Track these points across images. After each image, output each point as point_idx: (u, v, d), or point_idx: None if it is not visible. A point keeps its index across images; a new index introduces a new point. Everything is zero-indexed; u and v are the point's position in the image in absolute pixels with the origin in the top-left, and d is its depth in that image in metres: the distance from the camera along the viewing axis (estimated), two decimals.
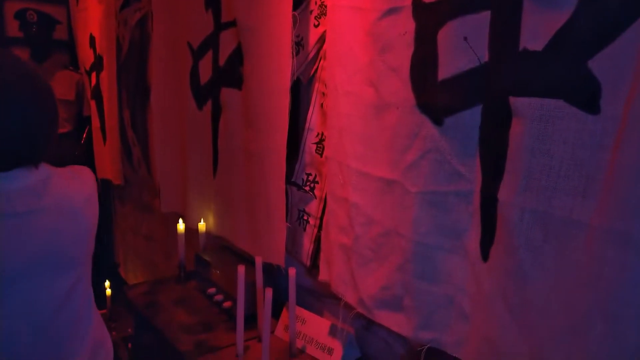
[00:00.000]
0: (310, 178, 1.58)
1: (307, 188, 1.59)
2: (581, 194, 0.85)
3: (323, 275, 1.45)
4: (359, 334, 1.52)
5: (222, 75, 1.80)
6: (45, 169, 1.07)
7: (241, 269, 1.46)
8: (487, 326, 1.04)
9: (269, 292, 1.40)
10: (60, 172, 1.13)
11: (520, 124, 0.92)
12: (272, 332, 1.62)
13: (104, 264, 3.66)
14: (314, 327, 1.54)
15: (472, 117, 1.01)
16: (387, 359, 1.44)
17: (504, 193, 0.96)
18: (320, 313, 1.67)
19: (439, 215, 1.09)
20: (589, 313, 0.84)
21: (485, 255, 1.04)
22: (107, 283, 3.33)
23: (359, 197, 1.26)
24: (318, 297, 1.68)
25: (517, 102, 0.91)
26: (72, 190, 1.12)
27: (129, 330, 2.68)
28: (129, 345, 2.53)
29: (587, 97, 0.83)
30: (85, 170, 1.21)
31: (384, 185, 1.19)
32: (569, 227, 0.88)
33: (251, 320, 1.64)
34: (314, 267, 1.65)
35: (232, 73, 1.74)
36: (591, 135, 0.83)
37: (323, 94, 1.43)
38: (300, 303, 1.56)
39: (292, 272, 1.45)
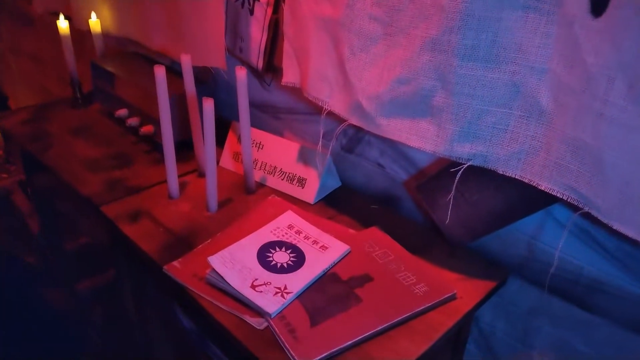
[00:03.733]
0: None
1: None
2: None
3: (288, 77, 0.96)
4: (339, 158, 1.11)
5: None
6: None
7: (159, 71, 0.94)
8: (582, 123, 0.63)
9: (210, 103, 0.92)
10: None
11: None
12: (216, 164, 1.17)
13: None
14: (277, 152, 1.11)
15: None
16: (380, 187, 1.07)
17: None
18: (279, 135, 1.22)
19: None
20: None
21: (599, 8, 0.59)
22: None
23: None
24: (275, 114, 1.22)
25: None
26: None
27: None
28: (29, 190, 2.02)
29: None
30: None
31: None
32: None
33: (183, 149, 1.18)
34: (270, 69, 1.16)
35: None
36: None
37: None
38: (251, 124, 1.09)
39: (241, 73, 0.95)
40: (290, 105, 1.17)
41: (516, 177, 0.72)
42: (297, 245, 0.88)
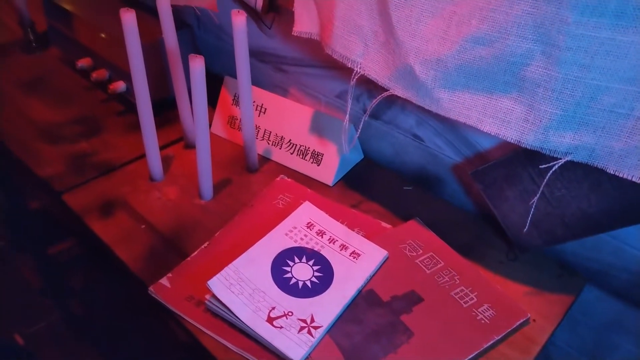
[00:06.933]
0: None
1: None
2: None
3: (303, 25, 0.72)
4: (360, 123, 0.89)
5: None
6: None
7: (128, 18, 0.69)
8: None
9: (199, 63, 0.68)
10: None
11: None
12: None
13: None
14: (284, 118, 0.88)
15: None
16: (415, 163, 0.86)
17: None
18: (284, 92, 0.99)
19: None
20: None
21: None
22: None
23: None
24: (278, 65, 0.98)
25: None
26: None
27: None
28: None
29: None
30: None
31: None
32: None
33: (163, 109, 0.95)
34: (272, 8, 0.90)
35: None
36: None
37: None
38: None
39: (239, 19, 0.71)
40: (298, 55, 0.93)
41: (633, 180, 0.52)
42: (321, 252, 0.68)
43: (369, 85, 0.82)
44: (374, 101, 0.66)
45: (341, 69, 0.84)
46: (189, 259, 0.69)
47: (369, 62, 0.64)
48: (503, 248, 0.74)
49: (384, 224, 0.76)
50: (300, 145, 0.86)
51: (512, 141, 0.56)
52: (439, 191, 0.84)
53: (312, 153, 0.85)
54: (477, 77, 0.55)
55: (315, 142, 0.85)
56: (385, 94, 0.64)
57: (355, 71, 0.66)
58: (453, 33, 0.54)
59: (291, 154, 0.87)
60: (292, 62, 0.95)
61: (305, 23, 0.71)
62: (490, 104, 0.56)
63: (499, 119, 0.56)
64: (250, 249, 0.67)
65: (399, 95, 0.63)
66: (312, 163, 0.85)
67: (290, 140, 0.87)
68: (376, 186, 0.85)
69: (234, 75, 0.77)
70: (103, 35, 0.99)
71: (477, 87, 0.56)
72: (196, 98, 0.70)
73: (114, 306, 1.27)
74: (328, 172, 0.84)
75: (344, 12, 0.63)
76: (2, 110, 1.00)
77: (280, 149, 0.88)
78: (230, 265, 0.64)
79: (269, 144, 0.89)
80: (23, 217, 1.55)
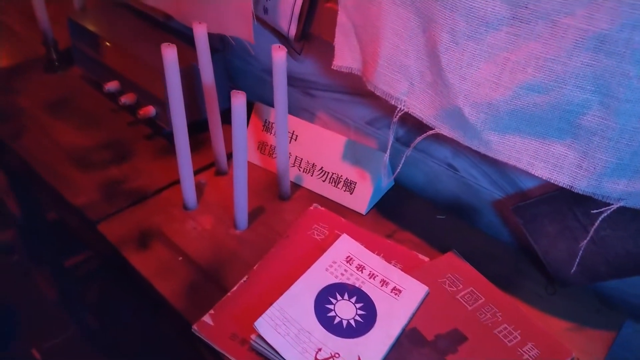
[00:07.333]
0: None
1: None
2: None
3: (343, 59, 0.72)
4: (392, 151, 0.89)
5: None
6: None
7: (168, 52, 0.69)
8: None
9: (241, 100, 0.68)
10: None
11: None
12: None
13: None
14: (316, 146, 0.88)
15: None
16: (448, 191, 0.86)
17: None
18: (311, 116, 0.99)
19: None
20: None
21: None
22: None
23: None
24: (306, 89, 0.98)
25: None
26: None
27: None
28: None
29: None
30: None
31: None
32: None
33: (193, 132, 0.94)
34: (303, 36, 0.90)
35: None
36: None
37: None
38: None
39: (279, 54, 0.70)
40: (327, 81, 0.93)
41: None
42: (362, 289, 0.68)
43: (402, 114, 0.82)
44: (419, 138, 0.66)
45: (372, 97, 0.83)
46: (229, 294, 0.69)
47: (414, 101, 0.64)
48: (541, 281, 0.74)
49: (421, 256, 0.76)
50: (333, 173, 0.86)
51: (564, 186, 0.56)
52: (474, 221, 0.84)
53: (344, 181, 0.85)
54: (530, 122, 0.55)
55: (348, 171, 0.85)
56: (430, 132, 0.64)
57: (398, 108, 0.66)
58: (506, 79, 0.54)
59: (323, 181, 0.87)
60: (321, 87, 0.95)
61: (346, 58, 0.71)
62: (543, 148, 0.56)
63: (551, 163, 0.56)
64: (293, 286, 0.67)
65: (445, 134, 0.63)
66: (344, 191, 0.85)
67: (322, 167, 0.87)
68: (409, 215, 0.85)
69: (259, 98, 0.77)
70: (130, 60, 0.99)
71: (529, 132, 0.56)
72: (236, 134, 0.70)
73: (131, 319, 1.27)
74: (361, 200, 0.84)
75: (389, 51, 0.63)
76: (28, 131, 1.00)
77: (311, 176, 0.88)
78: (274, 305, 0.63)
79: (300, 170, 0.89)
80: (39, 230, 1.55)
